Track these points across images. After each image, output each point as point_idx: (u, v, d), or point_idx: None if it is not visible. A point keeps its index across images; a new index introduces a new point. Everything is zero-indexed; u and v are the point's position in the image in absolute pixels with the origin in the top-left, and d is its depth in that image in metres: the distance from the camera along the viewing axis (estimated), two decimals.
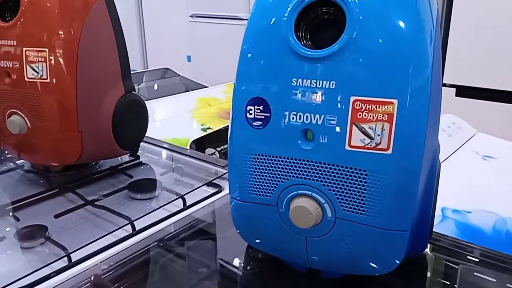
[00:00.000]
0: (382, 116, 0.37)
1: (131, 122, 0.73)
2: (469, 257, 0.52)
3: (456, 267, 0.50)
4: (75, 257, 0.52)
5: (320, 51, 0.38)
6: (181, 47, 2.55)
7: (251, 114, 0.41)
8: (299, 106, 0.39)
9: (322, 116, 0.38)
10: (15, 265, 0.53)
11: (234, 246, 0.56)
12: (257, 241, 0.48)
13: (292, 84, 0.39)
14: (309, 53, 0.38)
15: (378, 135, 0.37)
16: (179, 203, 0.65)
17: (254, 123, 0.41)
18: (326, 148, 0.39)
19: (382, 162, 0.37)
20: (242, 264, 0.53)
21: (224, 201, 0.66)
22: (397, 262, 0.42)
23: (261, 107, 0.41)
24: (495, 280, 0.48)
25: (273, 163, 0.41)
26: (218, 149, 0.93)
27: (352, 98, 0.37)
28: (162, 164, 0.84)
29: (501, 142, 0.93)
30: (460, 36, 1.63)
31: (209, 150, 0.93)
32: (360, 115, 0.37)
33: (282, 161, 0.41)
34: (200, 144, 0.93)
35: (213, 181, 0.72)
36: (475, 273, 0.49)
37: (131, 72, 0.74)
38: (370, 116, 0.37)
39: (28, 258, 0.54)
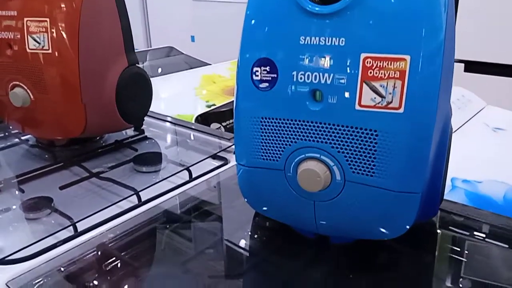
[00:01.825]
0: (394, 74, 0.35)
1: (134, 95, 0.72)
2: (480, 224, 0.51)
3: (467, 233, 0.49)
4: (80, 227, 0.52)
5: (329, 6, 0.36)
6: (184, 27, 2.52)
7: (257, 75, 0.40)
8: (307, 65, 0.38)
9: (331, 75, 0.37)
10: (21, 235, 0.53)
11: (241, 216, 0.55)
12: (265, 208, 0.47)
13: (300, 42, 0.38)
14: (317, 9, 0.37)
15: (390, 94, 0.36)
16: (184, 175, 0.64)
17: (260, 85, 0.40)
18: (335, 109, 0.37)
19: (394, 121, 0.36)
20: (249, 233, 0.52)
21: (230, 173, 0.66)
22: (407, 226, 0.41)
23: (267, 68, 0.39)
24: (506, 246, 0.48)
25: (280, 126, 0.40)
26: (224, 124, 0.92)
27: (363, 55, 0.36)
28: (167, 139, 0.83)
29: (511, 114, 0.92)
30: (467, 11, 1.59)
31: (215, 125, 0.92)
32: (371, 73, 0.36)
33: (290, 123, 0.40)
34: (205, 119, 0.92)
35: (218, 154, 0.71)
36: (486, 239, 0.49)
37: (139, 50, 0.73)
38: (382, 74, 0.35)
39: (34, 228, 0.54)
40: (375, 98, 0.36)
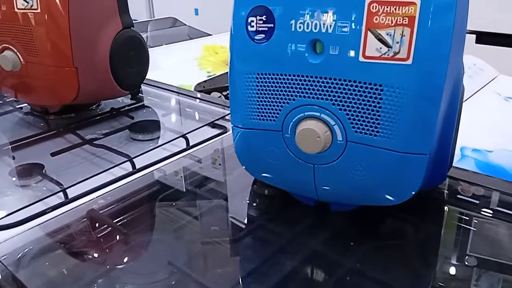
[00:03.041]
0: (402, 20, 0.32)
1: (130, 59, 0.69)
2: (490, 193, 0.48)
3: (476, 202, 0.47)
4: (71, 193, 0.50)
5: None
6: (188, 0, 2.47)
7: (252, 26, 0.37)
8: (306, 12, 0.34)
9: (333, 23, 0.34)
10: (10, 201, 0.51)
11: (239, 183, 0.53)
12: (263, 174, 0.45)
13: None
14: None
15: (397, 43, 0.32)
16: (181, 143, 0.62)
17: (256, 37, 0.37)
18: (337, 61, 0.34)
19: (401, 74, 0.33)
20: (247, 201, 0.50)
21: (229, 142, 0.63)
22: (413, 192, 0.38)
23: (263, 17, 0.36)
24: None
25: (277, 83, 0.37)
26: (225, 93, 0.89)
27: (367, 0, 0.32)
28: (165, 107, 0.80)
29: None
30: None
31: (215, 94, 0.89)
32: (376, 19, 0.32)
33: (288, 79, 0.37)
34: (204, 88, 0.89)
35: (217, 122, 0.68)
36: (496, 208, 0.46)
37: (134, 22, 0.70)
38: (388, 20, 0.32)
39: (24, 194, 0.52)
40: (381, 48, 0.33)
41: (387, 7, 0.32)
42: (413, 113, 0.34)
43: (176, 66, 1.15)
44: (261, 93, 0.38)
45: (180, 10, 2.51)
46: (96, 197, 0.49)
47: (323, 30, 0.34)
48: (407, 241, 0.42)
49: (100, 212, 0.48)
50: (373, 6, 0.32)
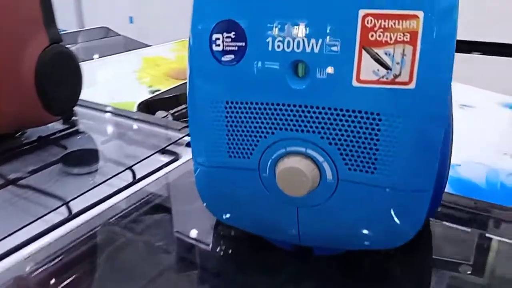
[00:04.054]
0: (403, 36, 0.26)
1: (59, 79, 0.59)
2: (478, 218, 0.44)
3: (468, 230, 0.43)
4: None
5: None
6: (121, 7, 2.33)
7: (218, 45, 0.30)
8: (286, 27, 0.28)
9: (320, 40, 0.27)
10: None
11: (200, 223, 0.45)
12: (230, 216, 0.38)
13: None
14: None
15: (397, 63, 0.27)
16: (127, 176, 0.53)
17: (223, 58, 0.30)
18: (326, 86, 0.28)
19: (402, 101, 0.28)
20: (211, 246, 0.42)
21: (183, 170, 0.55)
22: (413, 233, 0.33)
23: (232, 34, 0.29)
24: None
25: (251, 113, 0.30)
26: (171, 111, 0.80)
27: (362, 12, 0.27)
28: (103, 132, 0.71)
29: (478, 91, 0.88)
30: None
31: (160, 113, 0.80)
32: (372, 36, 0.27)
33: (264, 108, 0.30)
34: (149, 106, 0.80)
35: (167, 148, 0.60)
36: (487, 235, 0.42)
37: (62, 33, 0.60)
38: (387, 37, 0.27)
39: None
40: (378, 70, 0.27)
41: (384, 21, 0.26)
42: (416, 145, 0.29)
43: (113, 81, 1.04)
44: (231, 126, 0.31)
45: (113, 18, 2.37)
46: (25, 258, 0.40)
47: (308, 50, 0.28)
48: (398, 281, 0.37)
49: (30, 276, 0.38)
50: (368, 20, 0.26)
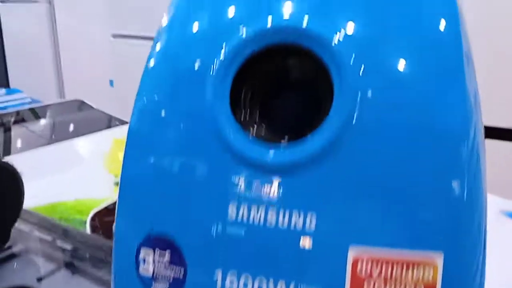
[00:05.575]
0: None
1: None
2: None
3: None
4: None
5: (284, 149, 0.19)
6: (102, 70, 2.28)
7: (145, 267, 0.21)
8: (243, 261, 0.19)
9: (292, 284, 0.19)
10: None
11: None
12: None
13: (229, 215, 0.19)
14: (261, 154, 0.19)
15: None
16: None
17: (154, 286, 0.21)
18: None
19: None
20: None
21: None
22: None
23: (167, 255, 0.20)
24: None
25: None
26: None
27: (352, 252, 0.18)
28: (48, 256, 0.60)
29: None
30: None
31: None
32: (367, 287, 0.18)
33: None
34: (107, 217, 0.70)
35: None
36: None
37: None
38: None
39: None
40: None
41: (384, 267, 0.18)
42: None
43: (73, 169, 0.95)
44: None
45: (94, 82, 2.31)
46: None
47: None
48: None
49: None
50: (360, 262, 0.18)
